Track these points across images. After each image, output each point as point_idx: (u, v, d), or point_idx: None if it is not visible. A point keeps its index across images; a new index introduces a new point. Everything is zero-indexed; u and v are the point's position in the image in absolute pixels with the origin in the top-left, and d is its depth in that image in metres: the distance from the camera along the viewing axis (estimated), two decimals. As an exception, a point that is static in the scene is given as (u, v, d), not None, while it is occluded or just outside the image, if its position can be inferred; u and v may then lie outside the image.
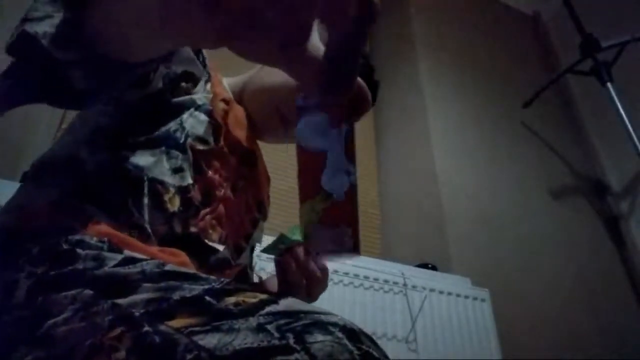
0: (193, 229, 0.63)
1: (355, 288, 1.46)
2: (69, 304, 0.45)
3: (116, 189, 0.60)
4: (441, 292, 1.58)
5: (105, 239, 0.54)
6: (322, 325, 0.40)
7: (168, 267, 0.49)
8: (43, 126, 1.60)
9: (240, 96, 0.81)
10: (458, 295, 1.60)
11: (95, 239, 0.53)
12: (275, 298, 0.44)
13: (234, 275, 0.70)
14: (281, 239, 0.63)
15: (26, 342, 0.45)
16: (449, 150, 2.12)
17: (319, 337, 0.38)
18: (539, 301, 1.86)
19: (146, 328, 0.41)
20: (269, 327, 0.40)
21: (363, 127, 2.46)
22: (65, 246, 0.51)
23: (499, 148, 2.28)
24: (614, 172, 2.42)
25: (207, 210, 0.66)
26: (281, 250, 0.64)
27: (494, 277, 1.79)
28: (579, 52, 2.18)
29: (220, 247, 0.67)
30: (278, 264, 0.66)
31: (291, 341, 0.38)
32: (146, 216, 0.59)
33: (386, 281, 1.51)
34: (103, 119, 0.64)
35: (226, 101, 0.73)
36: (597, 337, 1.89)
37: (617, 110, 2.00)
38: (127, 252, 0.53)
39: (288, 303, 0.43)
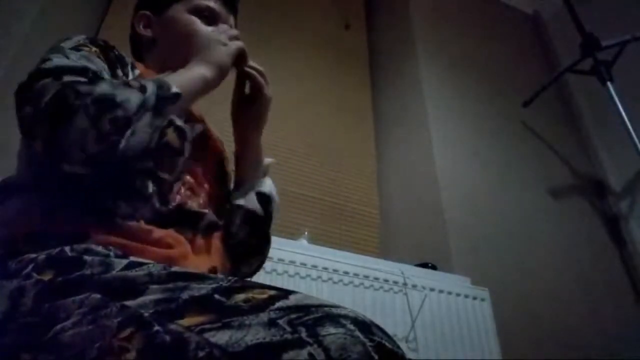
0: (173, 203, 0.66)
1: (355, 287, 1.45)
2: (77, 309, 0.46)
3: (101, 187, 0.60)
4: (441, 292, 1.58)
5: (111, 247, 0.55)
6: (334, 318, 0.40)
7: (175, 269, 0.50)
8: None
9: None
10: (458, 295, 1.60)
11: (101, 246, 0.54)
12: (284, 293, 0.44)
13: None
14: None
15: (30, 349, 0.45)
16: (449, 149, 2.12)
17: (331, 329, 0.39)
18: (539, 301, 1.86)
19: (156, 328, 0.41)
20: (280, 321, 0.40)
21: (363, 127, 2.46)
22: (71, 253, 0.52)
23: (499, 147, 2.28)
24: (614, 172, 2.41)
25: (179, 184, 0.68)
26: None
27: (494, 277, 1.79)
28: (579, 51, 2.18)
29: (205, 211, 0.71)
30: (243, 74, 0.81)
31: (304, 335, 0.38)
32: (134, 205, 0.61)
33: (386, 280, 1.51)
34: None
35: None
36: (597, 337, 1.88)
37: (617, 109, 1.99)
38: (133, 258, 0.53)
39: (298, 298, 0.43)
